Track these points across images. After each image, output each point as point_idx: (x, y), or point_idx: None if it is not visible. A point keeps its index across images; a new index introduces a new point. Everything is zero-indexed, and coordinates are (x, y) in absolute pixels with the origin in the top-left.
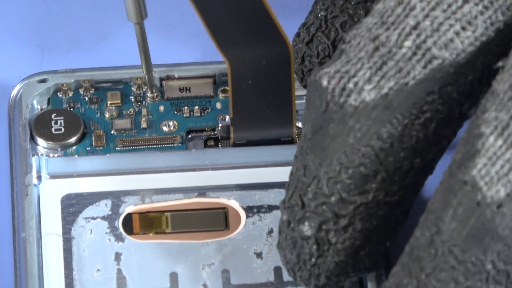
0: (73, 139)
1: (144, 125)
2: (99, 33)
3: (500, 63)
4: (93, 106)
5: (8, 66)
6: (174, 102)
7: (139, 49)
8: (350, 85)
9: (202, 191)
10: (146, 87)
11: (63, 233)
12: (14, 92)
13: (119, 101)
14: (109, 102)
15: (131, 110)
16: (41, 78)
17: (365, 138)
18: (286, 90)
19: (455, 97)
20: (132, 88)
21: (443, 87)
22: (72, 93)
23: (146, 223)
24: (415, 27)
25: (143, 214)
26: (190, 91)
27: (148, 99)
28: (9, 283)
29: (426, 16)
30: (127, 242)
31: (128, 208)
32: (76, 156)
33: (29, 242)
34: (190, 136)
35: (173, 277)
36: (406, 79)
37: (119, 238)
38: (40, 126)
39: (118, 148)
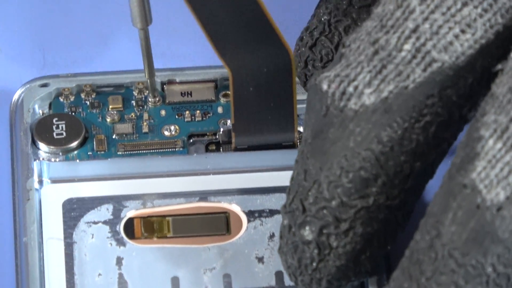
0: (74, 144)
1: (145, 129)
2: (101, 37)
3: (499, 66)
4: (94, 111)
5: (10, 70)
6: (176, 106)
7: (142, 54)
8: (350, 89)
9: (203, 195)
10: (147, 92)
11: (65, 238)
12: (16, 96)
13: (121, 106)
14: (110, 106)
15: (133, 114)
16: (42, 83)
17: (365, 142)
18: (288, 96)
19: (455, 100)
20: (134, 92)
21: (443, 90)
22: (73, 97)
23: (148, 228)
24: (414, 30)
25: (144, 219)
26: (191, 96)
27: (150, 103)
28: (10, 287)
29: (426, 19)
30: (128, 246)
31: (130, 212)
32: (77, 160)
33: (30, 247)
34: (191, 140)
35: (175, 281)
36: (406, 83)
37: (120, 243)
38: (41, 130)
39: (120, 153)
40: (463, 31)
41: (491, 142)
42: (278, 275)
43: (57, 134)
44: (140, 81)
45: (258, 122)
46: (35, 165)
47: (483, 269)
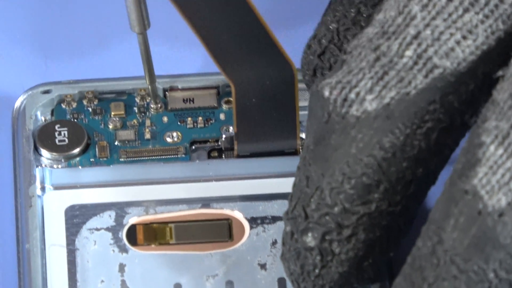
0: (76, 150)
1: (147, 136)
2: (103, 43)
3: (500, 72)
4: (96, 117)
5: (12, 77)
6: (178, 113)
7: (142, 59)
8: (352, 95)
9: (206, 202)
10: (149, 98)
11: (67, 244)
12: (18, 103)
13: (123, 112)
14: (112, 113)
15: (135, 121)
16: (44, 89)
17: (367, 148)
18: (290, 107)
19: (457, 106)
20: (136, 99)
21: (445, 96)
22: (75, 104)
23: (150, 234)
24: (416, 37)
25: (147, 225)
26: (193, 102)
27: (152, 110)
28: None
29: (427, 25)
30: (131, 253)
31: (132, 219)
32: (79, 167)
33: (33, 253)
34: (193, 147)
35: None
36: (408, 89)
37: (123, 249)
38: (43, 137)
39: (122, 159)
40: (464, 37)
41: (492, 148)
42: (281, 281)
43: (59, 141)
44: (142, 88)
45: (260, 132)
46: (38, 171)
47: (485, 275)
